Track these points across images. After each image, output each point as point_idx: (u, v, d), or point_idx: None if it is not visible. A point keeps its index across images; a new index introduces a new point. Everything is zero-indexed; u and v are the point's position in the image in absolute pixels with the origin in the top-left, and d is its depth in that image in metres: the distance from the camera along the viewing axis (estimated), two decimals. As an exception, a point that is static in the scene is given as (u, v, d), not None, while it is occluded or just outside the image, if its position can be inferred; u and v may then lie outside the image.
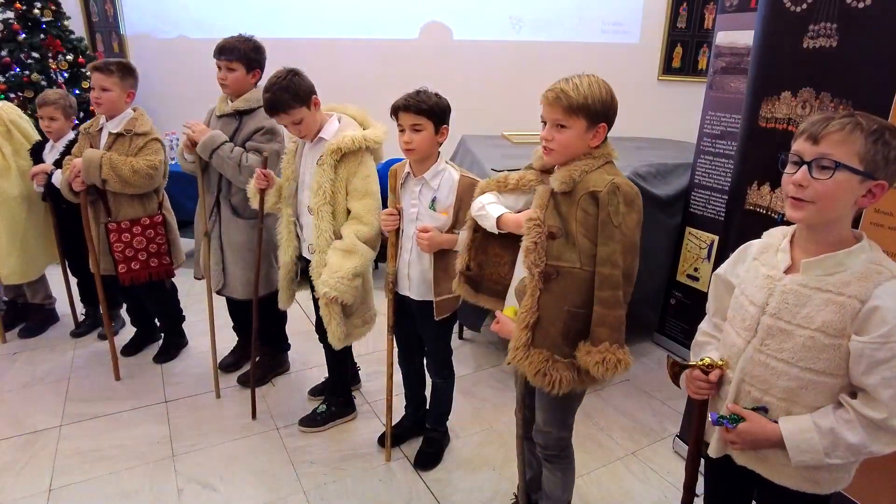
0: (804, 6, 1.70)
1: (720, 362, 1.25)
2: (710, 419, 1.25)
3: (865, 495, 1.65)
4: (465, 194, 1.91)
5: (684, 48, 4.19)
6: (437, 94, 1.88)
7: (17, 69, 3.94)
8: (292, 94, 1.99)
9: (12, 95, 3.88)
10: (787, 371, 1.15)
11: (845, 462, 1.13)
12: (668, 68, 4.24)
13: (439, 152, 1.96)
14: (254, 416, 2.48)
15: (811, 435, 1.11)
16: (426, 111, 1.83)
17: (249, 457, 2.27)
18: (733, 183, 2.11)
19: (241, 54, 2.32)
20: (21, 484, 2.09)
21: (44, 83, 3.95)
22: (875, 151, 1.04)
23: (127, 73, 2.53)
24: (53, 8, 4.10)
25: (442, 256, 1.96)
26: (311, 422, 2.43)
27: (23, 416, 2.47)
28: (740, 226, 2.01)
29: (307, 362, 2.91)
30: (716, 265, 2.12)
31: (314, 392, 2.65)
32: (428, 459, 2.25)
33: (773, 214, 1.85)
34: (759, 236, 1.90)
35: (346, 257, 2.02)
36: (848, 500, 1.68)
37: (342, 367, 2.47)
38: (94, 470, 2.17)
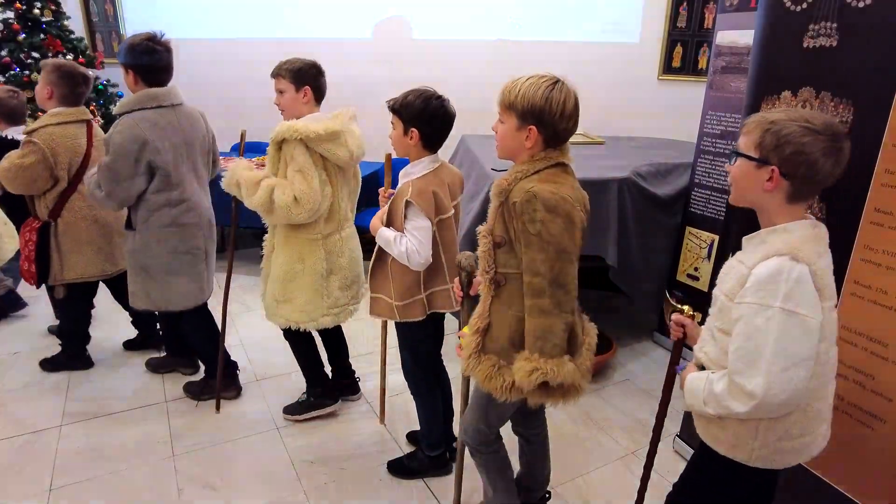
0: (804, 6, 1.69)
1: (691, 313, 1.43)
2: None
3: (865, 494, 1.65)
4: (400, 192, 1.86)
5: (684, 48, 4.18)
6: (416, 96, 1.82)
7: (17, 69, 3.93)
8: (292, 68, 2.13)
9: (12, 95, 3.87)
10: (711, 330, 1.30)
11: (716, 414, 1.24)
12: (668, 68, 4.24)
13: (428, 155, 1.88)
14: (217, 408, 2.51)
15: (700, 383, 1.27)
16: (394, 109, 1.85)
17: (249, 457, 2.27)
18: (733, 182, 2.11)
19: (121, 54, 2.27)
20: (21, 484, 2.10)
21: (43, 83, 3.95)
22: (766, 140, 1.17)
23: (50, 71, 2.47)
24: (53, 8, 4.10)
25: (382, 253, 1.94)
26: (291, 410, 2.50)
27: (23, 416, 2.47)
28: (740, 225, 2.01)
29: (307, 362, 2.91)
30: (716, 265, 2.13)
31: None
32: (396, 466, 2.22)
33: (773, 214, 1.85)
34: (759, 236, 1.91)
35: (253, 181, 2.09)
36: (848, 500, 1.68)
37: (302, 359, 2.48)
38: (94, 470, 2.17)
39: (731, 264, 1.27)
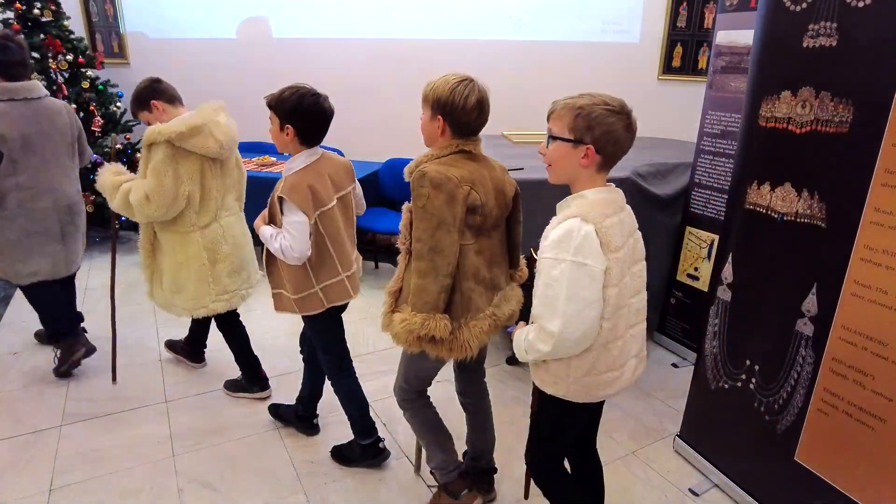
0: (804, 5, 1.69)
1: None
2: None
3: (865, 494, 1.65)
4: (275, 189, 1.92)
5: (684, 47, 4.18)
6: (292, 92, 1.86)
7: (17, 69, 3.93)
8: (132, 98, 2.35)
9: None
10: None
11: (534, 359, 1.46)
12: (668, 68, 4.23)
13: (306, 149, 1.94)
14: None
15: (521, 336, 1.47)
16: (270, 105, 1.89)
17: (249, 457, 2.27)
18: (733, 182, 2.11)
19: None
20: (21, 484, 2.10)
21: (44, 83, 3.94)
22: (578, 123, 1.34)
23: None
24: (53, 8, 4.09)
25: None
26: (228, 385, 2.71)
27: (23, 416, 2.47)
28: (740, 225, 2.01)
29: (307, 362, 2.91)
30: (716, 265, 2.14)
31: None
32: (335, 452, 2.29)
33: (773, 213, 1.85)
34: (759, 235, 1.92)
35: (114, 186, 2.28)
36: (849, 500, 1.68)
37: (236, 346, 2.64)
38: (94, 470, 2.17)
39: (548, 226, 1.43)
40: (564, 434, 1.61)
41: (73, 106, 4.02)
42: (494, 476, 2.07)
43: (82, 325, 2.94)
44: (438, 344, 1.63)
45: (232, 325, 2.64)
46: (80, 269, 2.83)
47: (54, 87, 4.01)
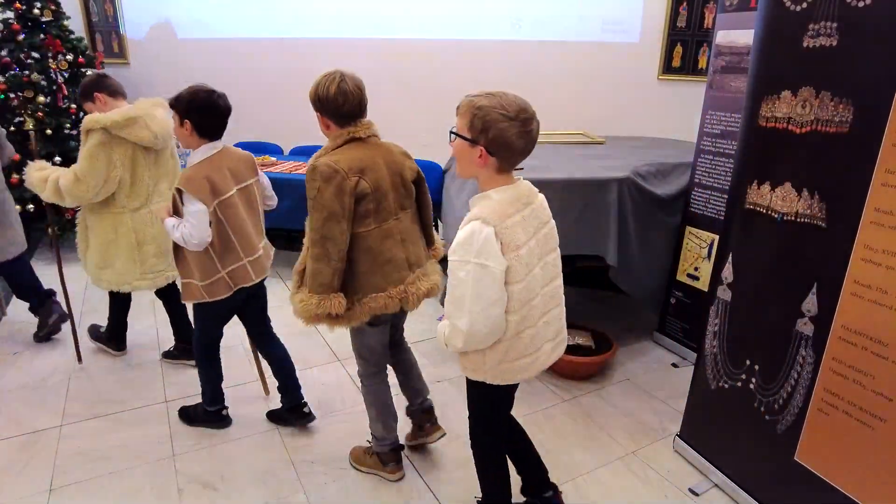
0: (804, 5, 1.69)
1: None
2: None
3: (865, 494, 1.66)
4: (176, 182, 2.05)
5: (684, 47, 4.18)
6: (188, 90, 1.99)
7: (17, 69, 3.92)
8: (79, 90, 2.52)
9: (12, 95, 3.87)
10: None
11: (455, 350, 1.52)
12: (668, 67, 4.24)
13: (205, 143, 2.06)
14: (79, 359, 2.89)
15: (441, 330, 1.53)
16: (170, 104, 2.02)
17: (249, 457, 2.27)
18: (733, 182, 2.11)
19: None
20: (21, 484, 2.10)
21: (44, 83, 3.95)
22: (475, 124, 1.38)
23: None
24: (53, 8, 4.09)
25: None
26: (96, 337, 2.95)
27: (23, 416, 2.47)
28: (740, 225, 2.01)
29: (307, 362, 2.91)
30: (716, 265, 2.14)
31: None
32: (182, 412, 2.48)
33: (773, 213, 1.85)
34: (759, 235, 1.92)
35: (41, 179, 2.43)
36: (849, 500, 1.68)
37: (112, 315, 2.88)
38: (94, 470, 2.17)
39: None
40: (493, 411, 1.73)
41: (73, 106, 4.03)
42: (434, 414, 2.26)
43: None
44: (335, 319, 1.81)
45: (171, 303, 2.84)
46: (14, 257, 2.93)
47: (54, 87, 4.02)
